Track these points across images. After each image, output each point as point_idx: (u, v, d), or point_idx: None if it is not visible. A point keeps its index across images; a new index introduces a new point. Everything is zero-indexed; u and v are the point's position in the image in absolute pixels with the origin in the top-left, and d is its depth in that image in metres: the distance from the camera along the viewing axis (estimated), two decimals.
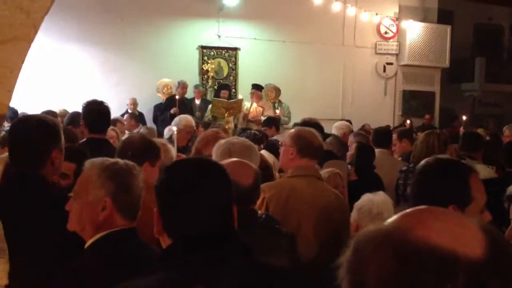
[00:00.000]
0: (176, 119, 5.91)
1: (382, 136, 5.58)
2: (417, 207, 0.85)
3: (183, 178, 1.58)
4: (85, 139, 4.07)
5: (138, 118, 9.76)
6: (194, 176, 1.58)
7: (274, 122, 7.67)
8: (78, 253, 1.99)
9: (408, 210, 0.84)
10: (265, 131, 6.46)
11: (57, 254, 2.17)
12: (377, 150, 5.07)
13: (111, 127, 4.85)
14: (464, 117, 10.22)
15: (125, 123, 7.93)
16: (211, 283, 1.46)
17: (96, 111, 4.07)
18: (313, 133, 3.30)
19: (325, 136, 6.31)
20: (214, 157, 2.80)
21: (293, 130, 3.40)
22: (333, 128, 6.47)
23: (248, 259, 1.57)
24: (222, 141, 2.87)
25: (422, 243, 0.75)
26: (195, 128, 5.81)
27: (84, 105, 4.16)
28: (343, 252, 0.82)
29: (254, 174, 2.36)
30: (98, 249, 1.97)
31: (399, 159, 5.54)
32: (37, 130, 2.44)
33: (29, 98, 9.20)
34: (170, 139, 4.81)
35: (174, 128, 4.99)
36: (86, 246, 2.01)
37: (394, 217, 0.83)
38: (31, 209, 2.29)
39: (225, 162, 2.34)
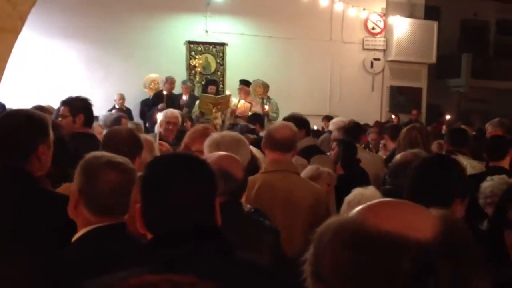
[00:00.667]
0: (162, 112, 5.86)
1: (354, 131, 5.66)
2: (377, 201, 0.88)
3: (162, 173, 1.59)
4: (71, 133, 4.08)
5: (125, 113, 9.69)
6: (172, 171, 1.58)
7: (258, 119, 7.64)
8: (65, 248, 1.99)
9: (368, 203, 0.85)
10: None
11: (43, 250, 2.15)
12: None
13: (98, 122, 4.91)
14: (448, 116, 10.24)
15: None
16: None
17: (89, 107, 4.24)
18: (282, 127, 3.29)
19: (313, 131, 6.37)
20: (205, 151, 2.79)
21: (269, 127, 3.43)
22: (331, 124, 6.58)
23: (229, 254, 1.56)
24: (214, 135, 2.85)
25: (373, 230, 0.77)
26: (180, 122, 5.70)
27: (78, 101, 4.27)
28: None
29: (243, 167, 2.37)
30: (80, 245, 1.98)
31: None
32: (24, 124, 2.39)
33: (15, 92, 9.11)
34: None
35: (159, 118, 4.97)
36: (72, 240, 2.01)
37: (354, 210, 0.84)
38: (15, 204, 2.26)
39: (213, 155, 2.36)
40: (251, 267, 1.62)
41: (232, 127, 6.46)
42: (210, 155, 2.40)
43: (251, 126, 5.88)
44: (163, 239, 1.52)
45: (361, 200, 2.79)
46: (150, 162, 1.69)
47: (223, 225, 1.63)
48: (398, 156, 3.37)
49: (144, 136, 3.72)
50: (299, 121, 4.96)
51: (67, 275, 1.86)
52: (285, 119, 5.34)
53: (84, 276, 1.52)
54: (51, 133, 2.48)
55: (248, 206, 2.65)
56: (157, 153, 3.61)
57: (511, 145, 4.37)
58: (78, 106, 4.21)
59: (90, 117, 4.26)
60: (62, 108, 4.28)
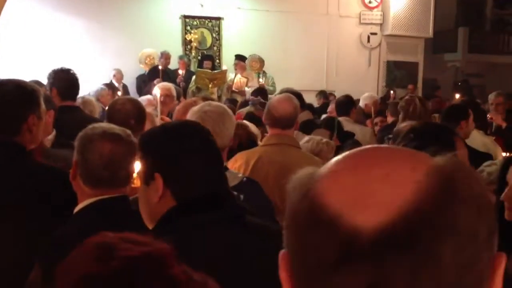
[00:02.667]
0: (156, 86, 5.80)
1: (343, 105, 5.77)
2: (357, 149, 0.66)
3: (187, 140, 1.60)
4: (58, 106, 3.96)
5: (116, 88, 9.60)
6: (195, 138, 1.61)
7: (261, 93, 7.57)
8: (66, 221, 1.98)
9: (346, 153, 0.66)
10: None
11: (37, 224, 2.13)
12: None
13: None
14: (457, 95, 10.02)
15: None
16: (205, 245, 1.49)
17: (65, 79, 4.08)
18: (283, 102, 3.25)
19: (308, 106, 6.40)
20: None
21: (270, 102, 3.38)
22: (362, 99, 6.93)
23: (243, 220, 1.59)
24: (195, 108, 2.74)
25: (315, 200, 0.61)
26: (175, 95, 5.61)
27: (52, 73, 4.14)
28: None
29: None
30: (78, 219, 1.97)
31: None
32: (13, 94, 2.33)
33: (7, 66, 9.02)
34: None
35: (156, 93, 4.93)
36: (74, 211, 2.01)
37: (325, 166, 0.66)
38: (5, 177, 2.23)
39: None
40: (266, 233, 1.63)
41: (246, 102, 6.48)
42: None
43: (262, 100, 5.93)
44: (187, 208, 1.54)
45: None
46: (168, 130, 1.69)
47: None
48: (402, 124, 3.37)
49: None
50: (296, 96, 4.95)
51: (61, 249, 1.86)
52: (280, 93, 5.35)
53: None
54: (43, 104, 2.42)
55: (240, 175, 2.65)
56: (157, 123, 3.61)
57: None
58: (51, 79, 4.09)
59: (66, 90, 4.06)
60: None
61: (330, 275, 0.56)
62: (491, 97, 6.32)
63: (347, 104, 5.76)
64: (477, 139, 4.41)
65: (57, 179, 2.25)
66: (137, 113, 3.14)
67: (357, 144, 4.73)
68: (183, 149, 1.59)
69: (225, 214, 1.55)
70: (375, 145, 0.68)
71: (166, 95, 5.17)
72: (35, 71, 9.17)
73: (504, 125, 5.97)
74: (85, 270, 0.85)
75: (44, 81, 6.22)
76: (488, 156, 3.81)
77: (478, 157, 3.54)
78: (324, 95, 10.68)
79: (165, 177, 1.56)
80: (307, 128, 4.75)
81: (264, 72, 11.32)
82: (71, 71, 4.16)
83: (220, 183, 1.63)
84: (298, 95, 5.22)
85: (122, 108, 3.15)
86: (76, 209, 2.00)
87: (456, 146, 2.05)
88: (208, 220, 1.52)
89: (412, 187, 0.56)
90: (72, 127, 3.03)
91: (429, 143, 2.02)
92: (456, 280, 0.55)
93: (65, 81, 4.06)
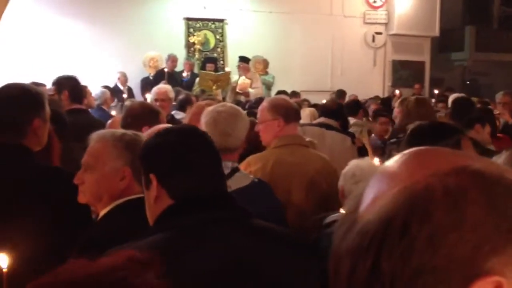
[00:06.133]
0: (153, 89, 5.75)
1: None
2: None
3: (181, 140, 1.63)
4: (67, 109, 4.29)
5: (114, 92, 9.58)
6: (191, 139, 1.65)
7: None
8: (91, 224, 2.05)
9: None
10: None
11: (47, 227, 2.15)
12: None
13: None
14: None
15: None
16: (210, 244, 1.50)
17: (75, 84, 4.54)
18: (286, 98, 3.39)
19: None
20: (203, 128, 2.76)
21: (265, 103, 3.33)
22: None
23: (248, 221, 1.62)
24: (209, 109, 2.80)
25: None
26: (172, 97, 5.55)
27: (61, 78, 4.58)
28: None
29: None
30: (115, 218, 2.00)
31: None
32: (19, 97, 2.38)
33: (11, 71, 9.04)
34: None
35: (148, 97, 5.01)
36: (101, 215, 2.05)
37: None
38: (15, 179, 2.25)
39: (152, 130, 2.37)
40: (267, 234, 1.65)
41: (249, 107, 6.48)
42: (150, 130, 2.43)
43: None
44: (183, 207, 1.56)
45: (355, 171, 2.76)
46: (163, 131, 1.73)
47: None
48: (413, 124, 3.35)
49: None
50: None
51: (100, 247, 1.89)
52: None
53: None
54: (47, 107, 2.46)
55: (251, 176, 2.66)
56: None
57: None
58: (63, 84, 4.47)
59: (76, 93, 4.49)
60: (51, 88, 4.56)
61: None
62: (499, 96, 6.48)
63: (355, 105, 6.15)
64: None
65: (63, 180, 2.26)
66: (141, 112, 3.28)
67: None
68: (176, 149, 1.61)
69: (225, 215, 1.57)
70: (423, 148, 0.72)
71: (162, 100, 5.13)
72: (40, 74, 9.21)
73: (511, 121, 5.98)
74: None
75: (47, 82, 6.32)
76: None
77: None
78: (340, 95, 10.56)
79: (159, 178, 1.58)
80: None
81: (267, 73, 11.35)
82: (76, 78, 4.62)
83: (218, 183, 1.64)
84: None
85: (128, 108, 3.43)
86: (104, 211, 2.04)
87: (461, 146, 2.01)
88: (205, 219, 1.53)
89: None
90: (80, 128, 3.21)
91: (434, 142, 2.00)
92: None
93: (74, 85, 4.50)
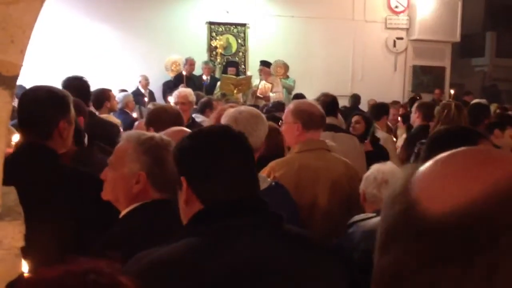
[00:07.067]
0: (174, 93, 5.79)
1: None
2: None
3: (212, 143, 1.59)
4: None
5: (135, 96, 9.63)
6: (223, 142, 1.59)
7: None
8: (112, 223, 2.04)
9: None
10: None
11: (72, 226, 2.17)
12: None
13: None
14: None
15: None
16: (238, 251, 1.46)
17: (80, 85, 4.30)
18: (312, 104, 3.30)
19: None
20: None
21: (291, 105, 3.34)
22: None
23: (279, 227, 1.57)
24: (230, 110, 2.83)
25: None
26: (193, 100, 5.57)
27: (66, 80, 4.35)
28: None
29: None
30: (130, 219, 2.00)
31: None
32: (45, 99, 2.41)
33: (40, 73, 9.15)
34: None
35: (171, 100, 4.95)
36: (120, 216, 2.06)
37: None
38: (41, 179, 2.28)
39: (166, 131, 2.41)
40: (299, 240, 1.61)
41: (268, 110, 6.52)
42: (165, 131, 2.44)
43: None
44: (211, 212, 1.52)
45: (377, 176, 2.76)
46: (195, 133, 1.70)
47: None
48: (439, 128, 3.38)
49: None
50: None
51: (116, 247, 1.89)
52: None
53: (134, 249, 1.53)
54: (73, 110, 2.49)
55: (269, 179, 2.69)
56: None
57: None
58: (66, 87, 4.18)
59: (81, 97, 4.19)
60: None
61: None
62: None
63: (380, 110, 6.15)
64: None
65: (88, 183, 2.30)
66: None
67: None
68: (206, 152, 1.57)
69: (255, 220, 1.52)
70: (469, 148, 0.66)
71: (182, 103, 5.15)
72: (64, 77, 9.32)
73: None
74: None
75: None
76: None
77: None
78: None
79: (189, 181, 1.56)
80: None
81: (288, 77, 11.37)
82: (84, 78, 4.37)
83: (251, 187, 1.59)
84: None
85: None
86: (123, 212, 2.05)
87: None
88: (231, 226, 1.49)
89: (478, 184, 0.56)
90: (89, 130, 3.25)
91: (454, 145, 2.02)
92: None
93: (79, 87, 4.21)
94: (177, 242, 1.48)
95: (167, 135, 2.23)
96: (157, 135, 2.16)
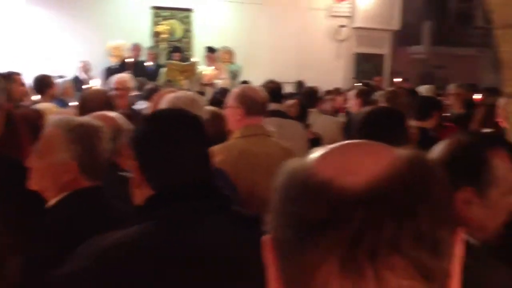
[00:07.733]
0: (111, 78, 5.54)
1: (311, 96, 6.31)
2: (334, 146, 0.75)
3: (164, 128, 1.58)
4: None
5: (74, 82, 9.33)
6: (175, 126, 1.58)
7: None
8: (39, 213, 1.95)
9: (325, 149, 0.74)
10: None
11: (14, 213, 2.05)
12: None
13: None
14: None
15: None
16: (193, 235, 1.47)
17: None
18: (256, 90, 3.26)
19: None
20: None
21: (235, 89, 3.31)
22: None
23: (229, 210, 1.59)
24: (168, 95, 2.83)
25: (306, 172, 0.68)
26: (129, 86, 5.41)
27: None
28: None
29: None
30: (62, 208, 1.94)
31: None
32: None
33: None
34: None
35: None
36: (48, 205, 1.97)
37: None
38: None
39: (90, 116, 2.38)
40: (251, 222, 1.60)
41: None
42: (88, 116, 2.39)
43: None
44: (166, 196, 1.51)
45: None
46: (148, 118, 1.69)
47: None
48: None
49: None
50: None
51: (48, 238, 1.86)
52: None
53: (68, 237, 1.52)
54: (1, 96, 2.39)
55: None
56: None
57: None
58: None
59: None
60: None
61: (317, 237, 0.62)
62: (451, 87, 6.91)
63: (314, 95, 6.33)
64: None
65: (14, 170, 2.20)
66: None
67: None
68: (156, 138, 1.56)
69: (208, 203, 1.53)
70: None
71: (119, 89, 5.02)
72: (2, 61, 8.92)
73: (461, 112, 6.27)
74: None
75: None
76: None
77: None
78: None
79: (140, 166, 1.56)
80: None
81: (233, 62, 11.35)
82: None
83: (202, 171, 1.58)
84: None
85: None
86: (52, 201, 1.97)
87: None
88: (188, 209, 1.49)
89: (393, 160, 0.66)
90: None
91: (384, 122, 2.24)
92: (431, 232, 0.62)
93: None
94: (132, 227, 1.47)
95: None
96: (87, 120, 2.08)
